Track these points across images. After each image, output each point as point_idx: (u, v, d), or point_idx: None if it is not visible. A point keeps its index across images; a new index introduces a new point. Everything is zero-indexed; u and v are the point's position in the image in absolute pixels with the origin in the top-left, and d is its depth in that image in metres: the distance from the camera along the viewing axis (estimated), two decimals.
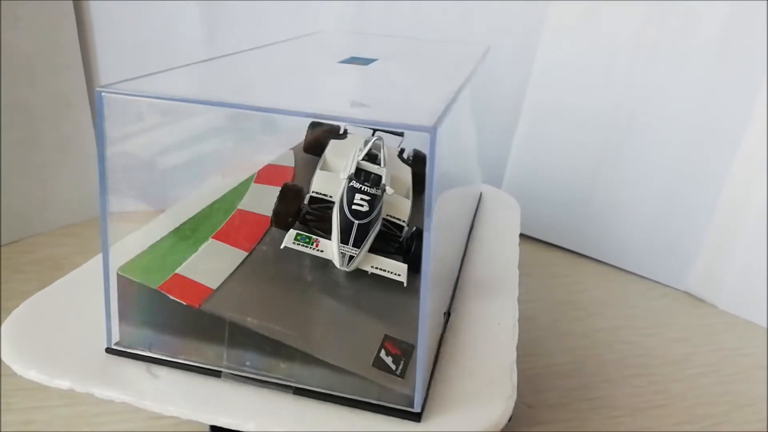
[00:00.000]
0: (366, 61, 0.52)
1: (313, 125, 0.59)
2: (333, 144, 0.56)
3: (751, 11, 0.79)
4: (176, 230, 0.48)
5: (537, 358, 0.73)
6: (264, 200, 0.49)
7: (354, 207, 0.44)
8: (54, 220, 0.94)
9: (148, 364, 0.39)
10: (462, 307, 0.46)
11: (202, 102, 0.36)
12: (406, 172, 0.55)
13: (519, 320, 0.47)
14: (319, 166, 0.53)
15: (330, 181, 0.50)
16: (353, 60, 0.52)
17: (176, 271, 0.41)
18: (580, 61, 0.92)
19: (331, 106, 0.36)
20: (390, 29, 0.96)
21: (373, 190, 0.46)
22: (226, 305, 0.39)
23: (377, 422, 0.34)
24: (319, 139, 0.58)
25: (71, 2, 0.90)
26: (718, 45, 0.82)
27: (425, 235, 0.33)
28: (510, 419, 0.59)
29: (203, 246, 0.46)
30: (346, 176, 0.48)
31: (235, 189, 0.53)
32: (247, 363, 0.37)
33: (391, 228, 0.47)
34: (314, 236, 0.44)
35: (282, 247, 0.43)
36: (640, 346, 0.77)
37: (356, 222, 0.43)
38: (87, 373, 0.38)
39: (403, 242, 0.46)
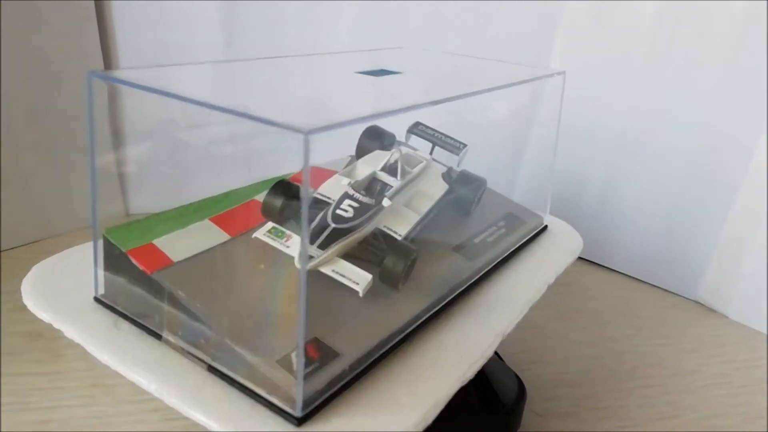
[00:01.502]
0: (384, 73, 0.52)
1: (366, 133, 0.60)
2: (375, 153, 0.56)
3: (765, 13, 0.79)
4: (180, 207, 0.50)
5: (546, 366, 0.73)
6: None
7: (338, 211, 0.45)
8: (76, 220, 0.95)
9: (117, 317, 0.42)
10: (437, 330, 0.44)
11: (172, 95, 0.37)
12: (438, 190, 0.54)
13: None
14: (340, 171, 0.54)
15: (340, 185, 0.50)
16: (376, 72, 0.53)
17: (152, 241, 0.44)
18: (592, 68, 0.92)
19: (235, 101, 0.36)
20: (404, 35, 0.97)
21: (365, 199, 0.46)
22: (173, 277, 0.41)
23: (261, 416, 0.35)
24: (367, 146, 0.59)
25: (92, 3, 0.92)
26: (733, 51, 0.82)
27: (302, 239, 0.32)
28: (518, 427, 0.60)
29: (194, 224, 0.48)
30: (351, 182, 0.48)
31: (263, 182, 0.54)
32: (180, 333, 0.39)
33: (380, 239, 0.47)
34: (288, 232, 0.44)
35: (252, 236, 0.45)
36: (651, 356, 0.77)
37: (332, 225, 0.43)
38: (67, 315, 0.42)
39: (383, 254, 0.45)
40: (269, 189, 0.48)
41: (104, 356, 0.39)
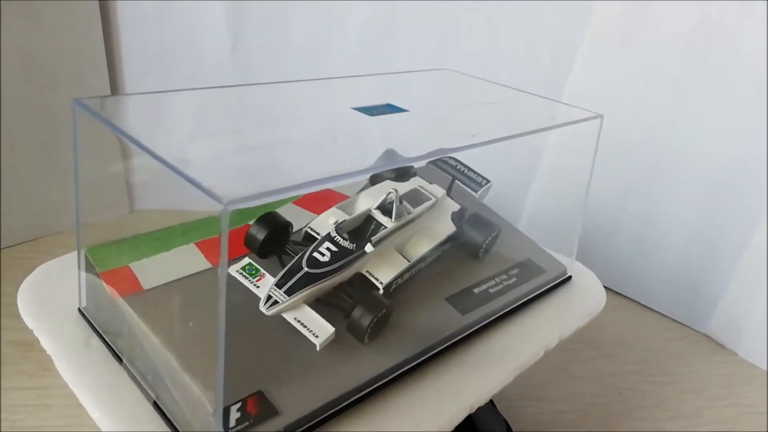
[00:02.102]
0: (386, 110, 0.48)
1: (381, 159, 0.57)
2: (384, 184, 0.54)
3: None
4: (169, 228, 0.49)
5: (543, 404, 0.71)
6: None
7: (314, 254, 0.43)
8: (73, 219, 0.95)
9: (91, 333, 0.42)
10: (399, 392, 0.41)
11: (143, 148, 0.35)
12: (442, 232, 0.51)
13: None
14: (339, 204, 0.51)
15: (328, 222, 0.48)
16: (378, 108, 0.48)
17: (130, 263, 0.44)
18: (612, 91, 0.88)
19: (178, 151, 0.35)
20: (414, 37, 0.93)
21: (345, 243, 0.43)
22: (137, 305, 0.40)
23: None
24: (381, 174, 0.56)
25: (97, 3, 0.90)
26: (760, 79, 0.78)
27: (219, 290, 0.31)
28: None
29: (178, 247, 0.47)
30: (336, 221, 0.46)
31: (261, 206, 0.52)
32: (135, 363, 0.39)
33: (356, 286, 0.44)
34: (262, 271, 0.42)
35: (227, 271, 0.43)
36: (652, 395, 0.75)
37: (305, 269, 0.41)
38: (48, 324, 0.42)
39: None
40: (254, 220, 0.46)
41: (66, 374, 0.39)
